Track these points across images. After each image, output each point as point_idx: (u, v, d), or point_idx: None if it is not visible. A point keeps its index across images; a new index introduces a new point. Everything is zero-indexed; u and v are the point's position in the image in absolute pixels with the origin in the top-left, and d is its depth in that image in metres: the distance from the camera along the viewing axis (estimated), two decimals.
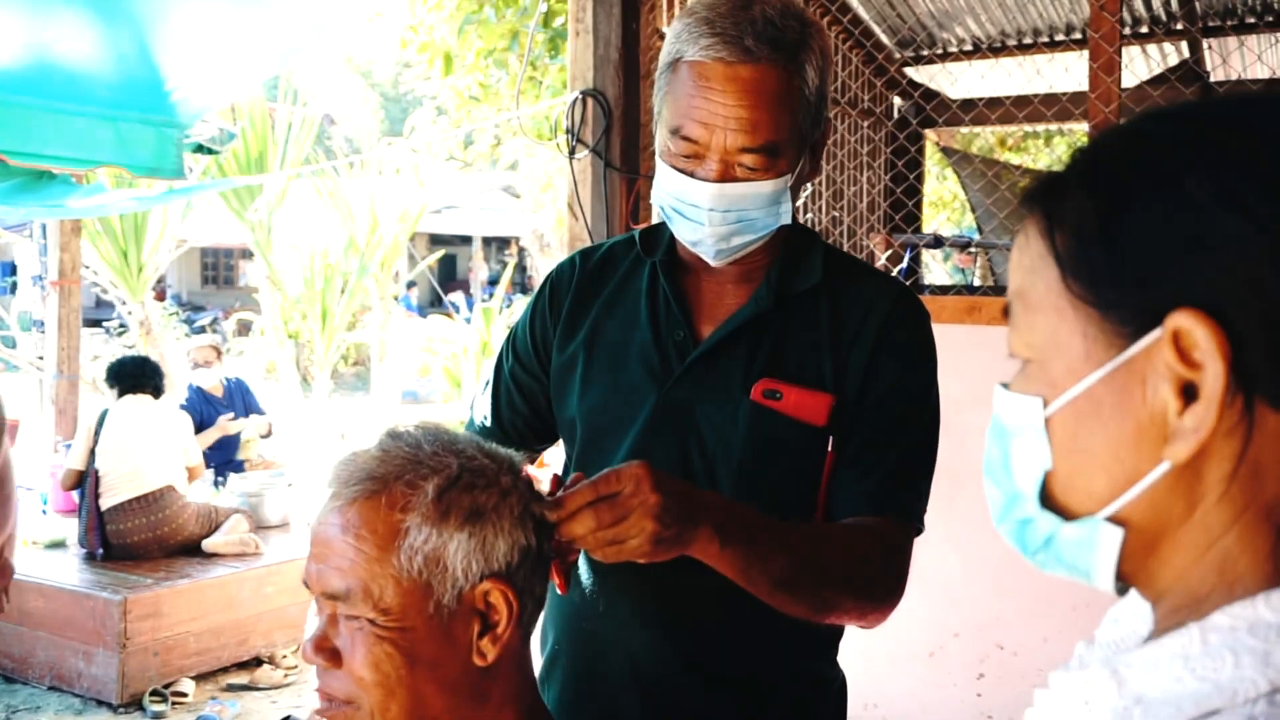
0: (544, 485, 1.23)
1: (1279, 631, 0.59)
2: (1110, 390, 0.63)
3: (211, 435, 6.27)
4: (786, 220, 1.40)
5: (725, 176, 1.34)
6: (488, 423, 1.62)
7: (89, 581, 4.74)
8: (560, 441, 1.62)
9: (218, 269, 27.47)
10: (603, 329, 1.51)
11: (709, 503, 1.22)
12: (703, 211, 1.35)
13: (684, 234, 1.41)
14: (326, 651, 1.09)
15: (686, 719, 1.43)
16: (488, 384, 1.65)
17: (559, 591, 1.25)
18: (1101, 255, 0.63)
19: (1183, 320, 0.59)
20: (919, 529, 1.43)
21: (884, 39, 4.85)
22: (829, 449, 1.40)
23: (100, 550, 5.03)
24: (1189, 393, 0.60)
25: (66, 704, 4.56)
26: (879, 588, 1.36)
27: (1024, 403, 0.68)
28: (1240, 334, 0.59)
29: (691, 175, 1.35)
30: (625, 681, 1.44)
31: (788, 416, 1.40)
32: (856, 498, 1.39)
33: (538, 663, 1.56)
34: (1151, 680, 0.62)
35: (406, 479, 1.08)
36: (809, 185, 4.26)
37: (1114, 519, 0.65)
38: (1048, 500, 0.68)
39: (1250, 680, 0.58)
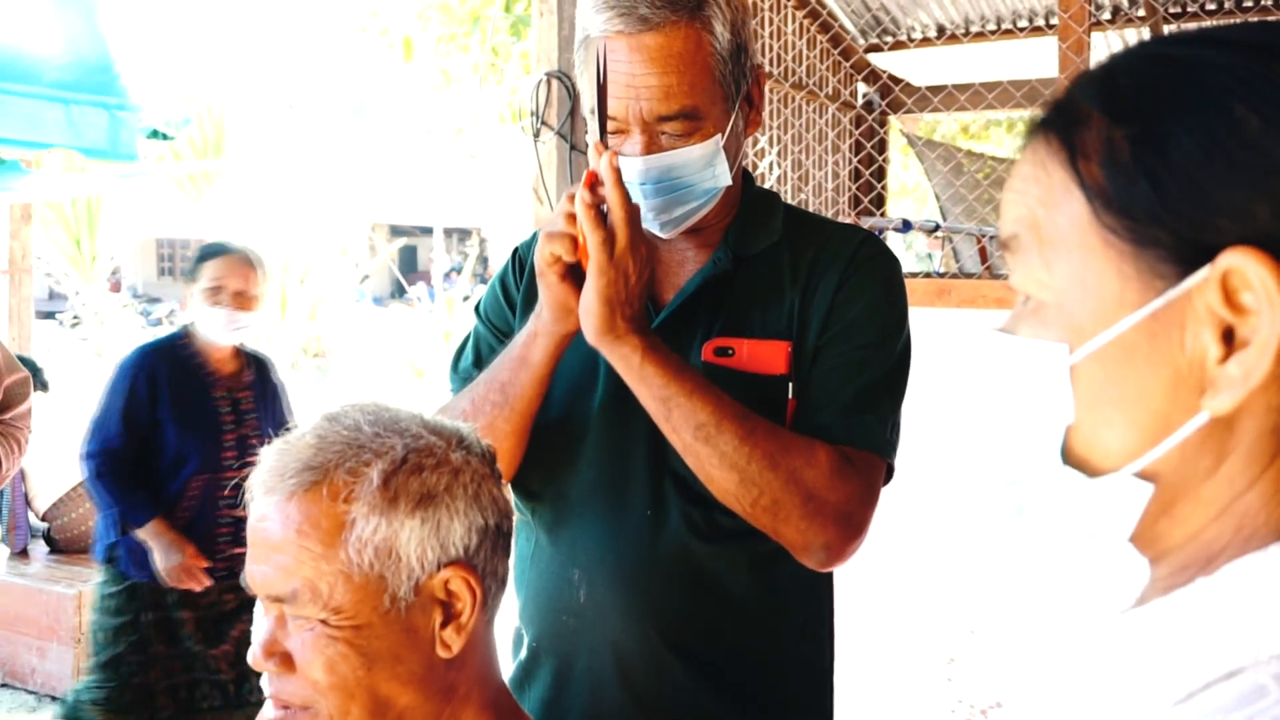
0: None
1: None
2: (1145, 335, 0.58)
3: None
4: (726, 182, 1.35)
5: (651, 148, 1.30)
6: None
7: (42, 576, 4.63)
8: None
9: (174, 260, 27.07)
10: None
11: (649, 329, 1.29)
12: (635, 186, 1.32)
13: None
14: (277, 656, 1.01)
15: (677, 711, 1.38)
16: (470, 372, 1.55)
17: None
18: (1146, 188, 0.58)
19: (1236, 259, 0.54)
20: (887, 463, 1.35)
21: (848, 24, 4.83)
22: (790, 396, 1.35)
23: (22, 547, 4.91)
24: (1228, 338, 0.56)
25: (20, 701, 4.45)
26: (824, 493, 1.27)
27: (1041, 350, 0.62)
28: None
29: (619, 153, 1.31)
30: (611, 676, 1.38)
31: (742, 372, 1.36)
32: (812, 430, 1.31)
33: (511, 664, 1.49)
34: (1159, 641, 0.58)
35: (348, 466, 1.01)
36: (773, 165, 4.23)
37: (1142, 474, 0.60)
38: (1066, 457, 0.63)
39: (1273, 635, 0.54)
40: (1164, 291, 0.57)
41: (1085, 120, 0.61)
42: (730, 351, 1.37)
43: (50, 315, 15.10)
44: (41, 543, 5.00)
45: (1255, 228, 0.55)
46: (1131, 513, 0.61)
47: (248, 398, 3.38)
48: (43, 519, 4.93)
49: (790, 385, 1.35)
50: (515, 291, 1.53)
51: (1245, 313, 0.55)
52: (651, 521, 1.37)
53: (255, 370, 3.47)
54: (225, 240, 3.55)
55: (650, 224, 1.37)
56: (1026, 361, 0.63)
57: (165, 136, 5.43)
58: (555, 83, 3.53)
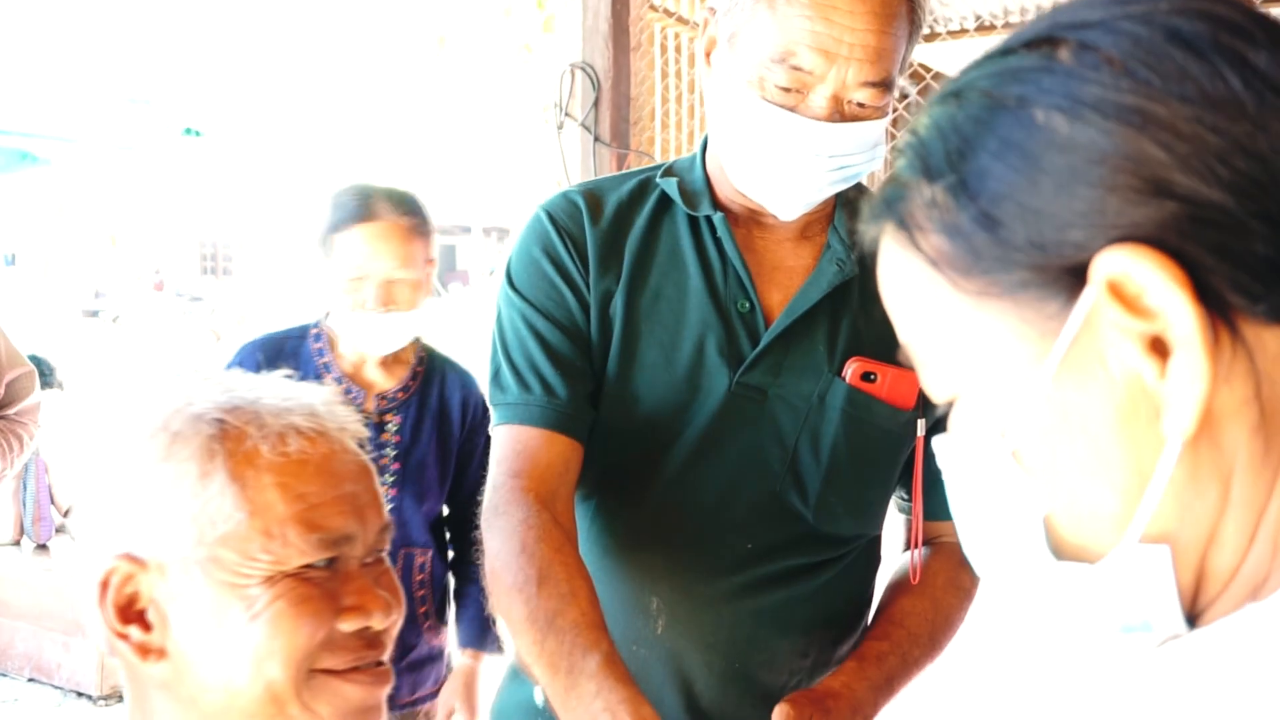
0: None
1: None
2: (1068, 385, 0.50)
3: None
4: (878, 166, 1.22)
5: (834, 114, 1.15)
6: (559, 395, 1.25)
7: (68, 571, 4.63)
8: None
9: (215, 259, 27.39)
10: (639, 294, 1.26)
11: (862, 702, 1.18)
12: (806, 156, 1.16)
13: (767, 181, 1.20)
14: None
15: None
16: (529, 362, 1.28)
17: None
18: (980, 233, 0.51)
19: (1114, 262, 0.47)
20: None
21: None
22: (917, 434, 1.26)
23: (49, 539, 4.92)
24: (1160, 349, 0.48)
25: (46, 696, 4.47)
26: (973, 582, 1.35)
27: (978, 445, 0.55)
28: (1179, 251, 0.46)
29: (792, 111, 1.15)
30: (679, 715, 1.26)
31: (884, 402, 1.23)
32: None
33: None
34: (1205, 678, 0.49)
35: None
36: None
37: (1148, 539, 0.51)
38: (1060, 551, 0.54)
39: None
40: (1059, 330, 0.50)
41: (908, 192, 0.55)
42: (874, 378, 1.23)
43: (94, 314, 15.32)
44: (68, 537, 5.01)
45: (1116, 224, 0.48)
46: (1162, 584, 0.51)
47: (393, 424, 2.18)
48: (65, 515, 4.94)
49: (919, 423, 1.26)
50: (576, 268, 1.27)
51: (1156, 315, 0.47)
52: (750, 553, 1.25)
53: (422, 383, 2.26)
54: (369, 183, 2.19)
55: (786, 202, 1.21)
56: (970, 464, 0.56)
57: (198, 134, 5.45)
58: (579, 73, 3.48)
